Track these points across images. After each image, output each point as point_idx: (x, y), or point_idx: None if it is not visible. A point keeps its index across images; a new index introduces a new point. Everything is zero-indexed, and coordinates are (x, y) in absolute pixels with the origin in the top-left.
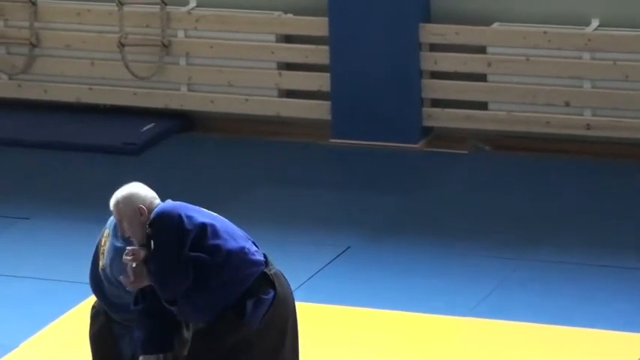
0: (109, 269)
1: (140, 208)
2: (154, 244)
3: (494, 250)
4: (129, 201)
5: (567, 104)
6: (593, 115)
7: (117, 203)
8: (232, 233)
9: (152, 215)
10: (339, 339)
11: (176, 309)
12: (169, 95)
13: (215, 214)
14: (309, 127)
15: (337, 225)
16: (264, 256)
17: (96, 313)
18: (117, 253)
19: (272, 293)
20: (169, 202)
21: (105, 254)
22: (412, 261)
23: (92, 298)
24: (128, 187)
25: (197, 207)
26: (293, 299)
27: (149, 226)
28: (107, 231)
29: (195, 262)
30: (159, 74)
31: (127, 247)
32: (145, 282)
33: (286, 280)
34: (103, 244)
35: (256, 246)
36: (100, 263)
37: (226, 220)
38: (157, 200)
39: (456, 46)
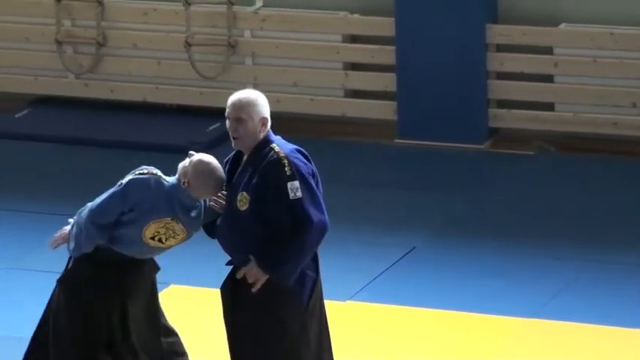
0: None
1: (265, 119)
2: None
3: (560, 251)
4: (258, 104)
5: (634, 105)
6: None
7: (247, 100)
8: None
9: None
10: (403, 339)
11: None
12: None
13: None
14: (374, 127)
15: (402, 225)
16: None
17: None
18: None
19: (315, 274)
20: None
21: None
22: (478, 262)
23: None
24: (255, 92)
25: None
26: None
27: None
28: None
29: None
30: (225, 74)
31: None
32: None
33: None
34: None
35: None
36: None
37: None
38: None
39: (522, 46)
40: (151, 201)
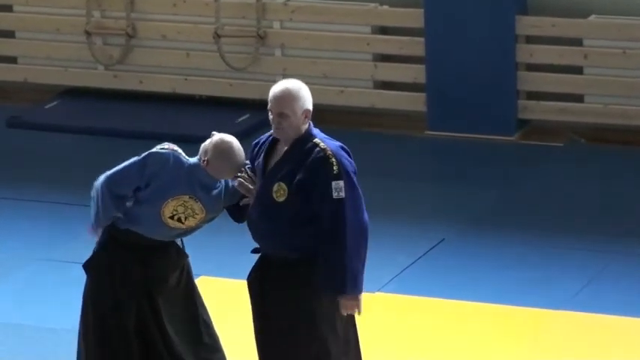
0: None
1: (308, 111)
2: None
3: (589, 243)
4: (300, 98)
5: None
6: None
7: (290, 95)
8: None
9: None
10: (432, 331)
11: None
12: (264, 86)
13: None
14: (404, 118)
15: (432, 217)
16: None
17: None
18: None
19: None
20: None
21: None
22: (506, 253)
23: None
24: (298, 84)
25: None
26: None
27: (332, 157)
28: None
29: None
30: (254, 65)
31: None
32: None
33: None
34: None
35: None
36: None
37: None
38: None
39: (552, 38)
40: (169, 176)
